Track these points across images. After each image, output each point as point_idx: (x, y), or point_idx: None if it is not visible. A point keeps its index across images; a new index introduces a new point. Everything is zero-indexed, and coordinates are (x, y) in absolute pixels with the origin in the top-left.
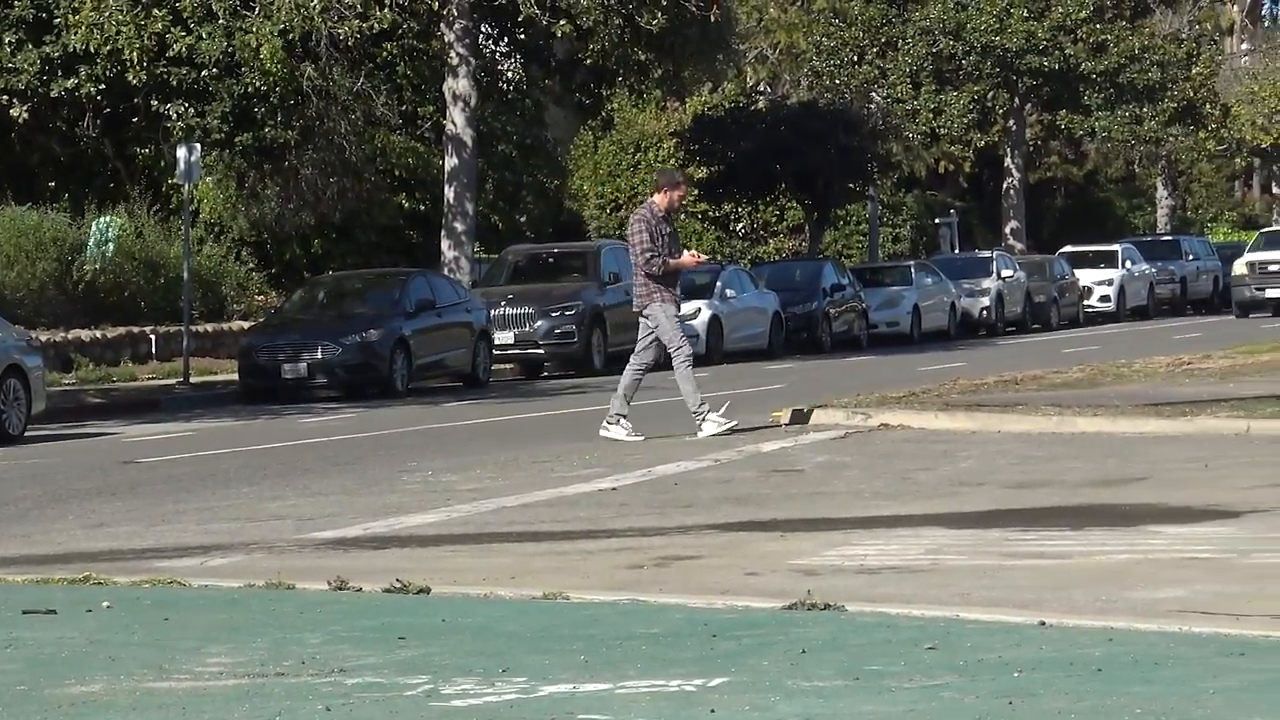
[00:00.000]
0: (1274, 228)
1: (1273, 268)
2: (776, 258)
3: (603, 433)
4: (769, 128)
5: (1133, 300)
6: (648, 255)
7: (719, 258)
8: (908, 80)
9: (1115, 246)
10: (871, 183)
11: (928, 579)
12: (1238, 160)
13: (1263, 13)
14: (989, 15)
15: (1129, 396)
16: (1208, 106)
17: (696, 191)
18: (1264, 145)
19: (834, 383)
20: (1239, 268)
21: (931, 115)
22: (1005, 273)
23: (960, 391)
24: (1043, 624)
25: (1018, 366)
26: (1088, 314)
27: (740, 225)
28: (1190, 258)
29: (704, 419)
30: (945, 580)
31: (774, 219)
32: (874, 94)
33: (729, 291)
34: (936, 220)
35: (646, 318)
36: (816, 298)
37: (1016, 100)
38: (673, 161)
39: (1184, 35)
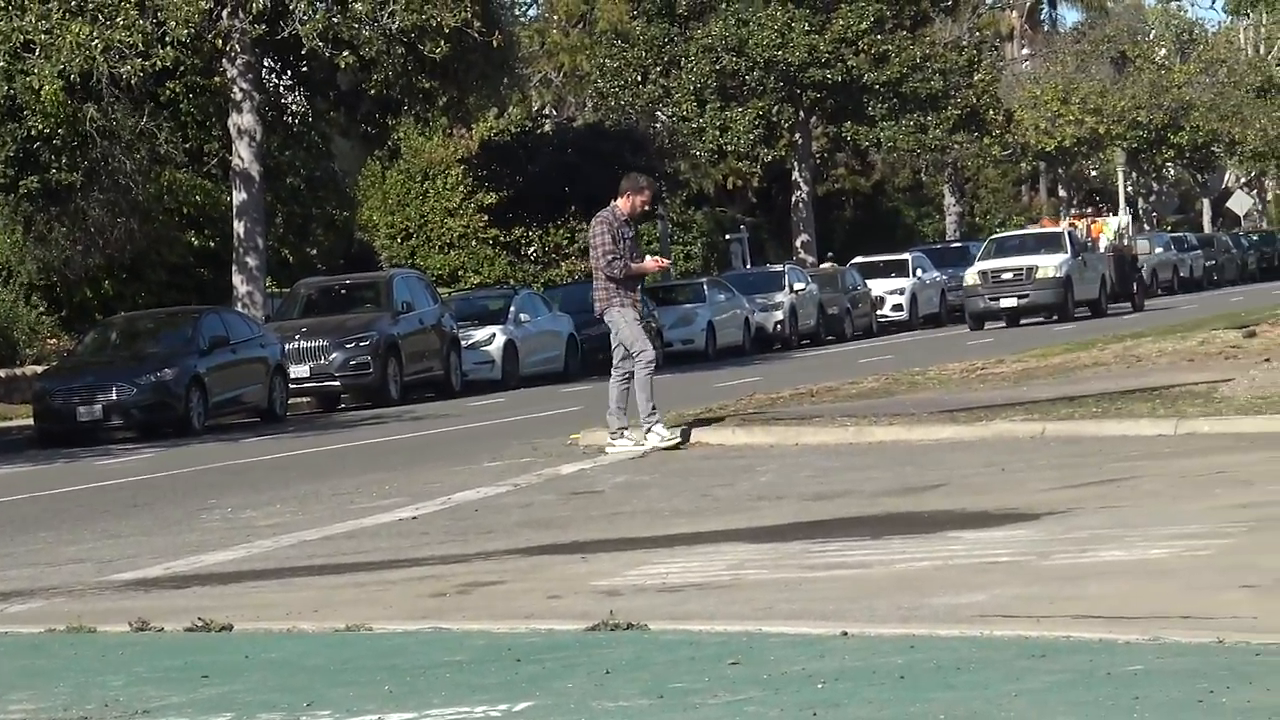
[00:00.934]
0: (1005, 234)
1: (1006, 276)
2: (569, 280)
3: (608, 449)
4: (556, 151)
5: (925, 308)
6: (609, 258)
7: (673, 266)
8: (692, 98)
9: (905, 255)
10: (660, 201)
11: (730, 594)
12: (1023, 165)
13: (1041, 17)
14: (770, 31)
15: (924, 404)
16: (991, 113)
17: (486, 217)
18: (1048, 149)
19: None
20: (971, 277)
21: (718, 132)
22: (797, 286)
23: (757, 406)
24: (845, 634)
25: (813, 379)
26: (881, 324)
27: (532, 249)
28: None
29: (650, 429)
30: (747, 595)
31: (565, 242)
32: (659, 113)
33: (523, 316)
34: (727, 236)
35: (609, 323)
36: None
37: (801, 114)
38: (461, 188)
39: (965, 43)
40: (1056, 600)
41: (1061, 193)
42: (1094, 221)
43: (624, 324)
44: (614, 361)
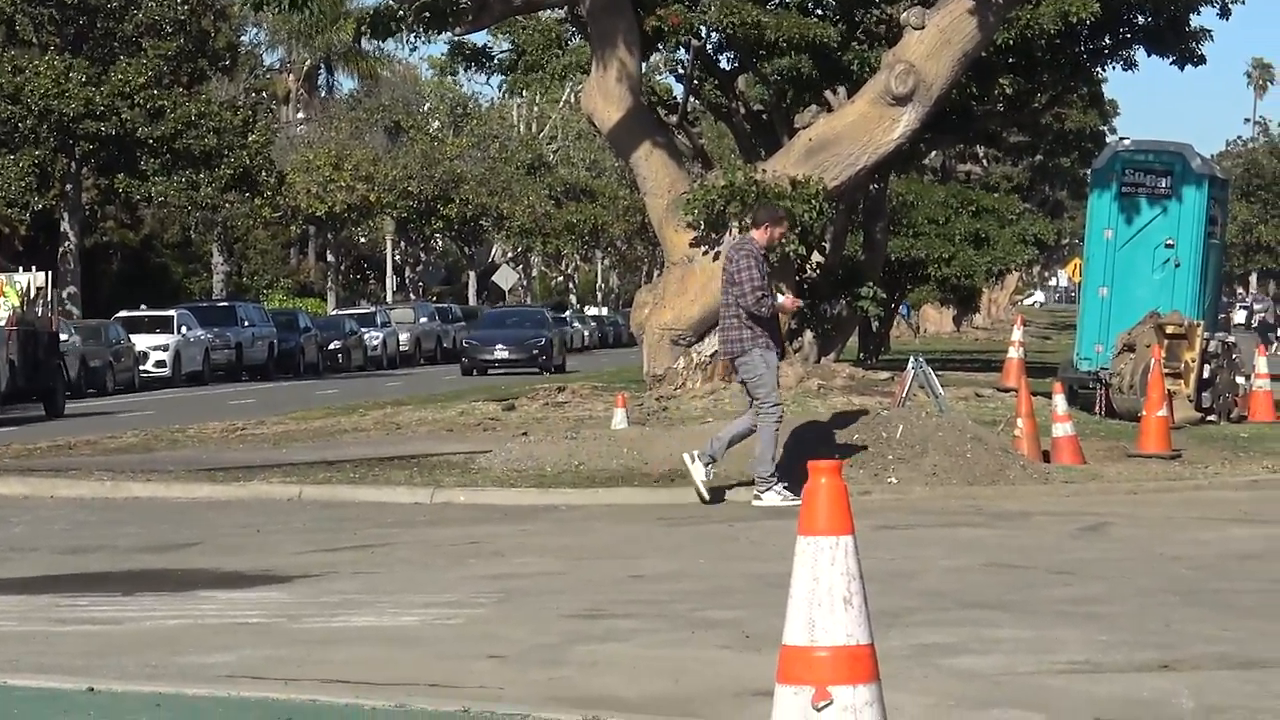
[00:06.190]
0: None
1: None
2: None
3: (758, 503)
4: None
5: (189, 365)
6: (759, 294)
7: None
8: None
9: (171, 312)
10: None
11: None
12: (293, 228)
13: (319, 83)
14: (47, 79)
15: (183, 461)
16: (264, 174)
17: None
18: (318, 213)
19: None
20: None
21: None
22: (63, 337)
23: (13, 456)
24: (91, 690)
25: (72, 431)
26: (144, 379)
27: None
28: (246, 324)
29: (769, 489)
30: None
31: None
32: None
33: None
34: None
35: (742, 366)
36: None
37: (74, 164)
38: None
39: (241, 103)
40: (305, 664)
41: (330, 257)
42: None
43: (766, 369)
44: (751, 406)
